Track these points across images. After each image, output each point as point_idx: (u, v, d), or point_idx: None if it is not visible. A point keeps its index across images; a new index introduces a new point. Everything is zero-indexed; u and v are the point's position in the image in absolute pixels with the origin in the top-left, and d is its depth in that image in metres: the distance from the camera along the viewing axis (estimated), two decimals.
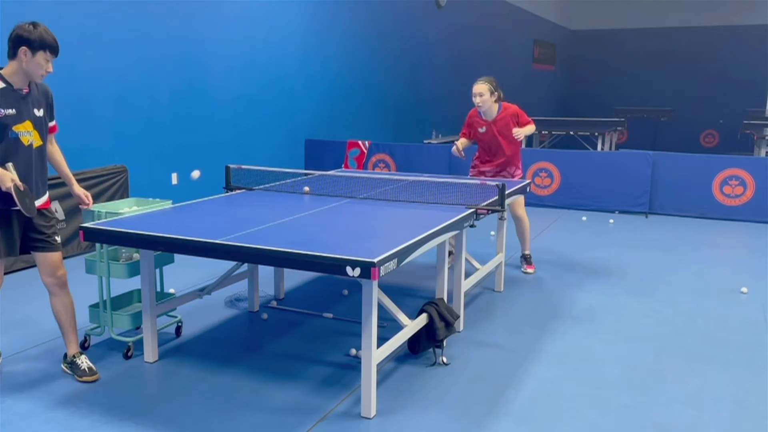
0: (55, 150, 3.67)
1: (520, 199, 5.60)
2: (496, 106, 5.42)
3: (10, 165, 3.26)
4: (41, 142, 3.42)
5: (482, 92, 5.32)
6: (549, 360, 3.90)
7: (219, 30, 7.72)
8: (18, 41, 3.24)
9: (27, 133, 3.34)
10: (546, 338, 4.24)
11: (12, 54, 3.26)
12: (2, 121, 3.24)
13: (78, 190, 3.73)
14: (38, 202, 3.44)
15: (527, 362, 3.87)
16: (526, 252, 5.77)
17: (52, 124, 3.56)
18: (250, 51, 8.21)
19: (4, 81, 3.27)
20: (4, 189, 3.21)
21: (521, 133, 5.30)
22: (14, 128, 3.28)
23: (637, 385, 3.59)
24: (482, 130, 5.50)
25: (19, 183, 3.23)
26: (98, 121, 6.41)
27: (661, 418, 3.24)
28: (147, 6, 6.77)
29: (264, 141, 8.66)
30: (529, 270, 5.70)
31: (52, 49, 3.30)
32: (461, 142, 5.53)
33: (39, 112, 3.41)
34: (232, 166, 4.90)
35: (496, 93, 5.36)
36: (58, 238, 3.57)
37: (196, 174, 4.31)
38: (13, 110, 3.28)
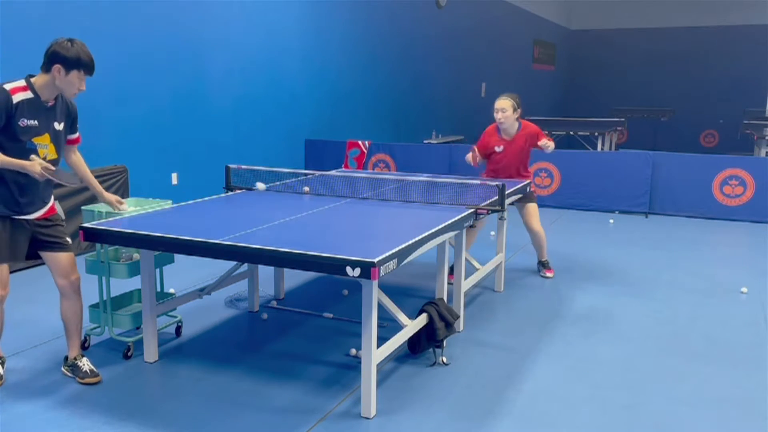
0: (79, 160, 3.68)
1: (534, 210, 5.49)
2: (516, 124, 5.33)
3: (33, 156, 3.26)
4: (56, 156, 3.41)
5: (505, 108, 5.22)
6: (549, 360, 3.90)
7: (219, 29, 7.71)
8: (54, 58, 3.19)
9: (44, 146, 3.33)
10: (546, 338, 4.24)
11: (46, 68, 3.23)
12: (23, 131, 3.22)
13: (108, 197, 3.80)
14: (43, 211, 3.45)
15: (527, 362, 3.87)
16: (544, 259, 5.70)
17: (74, 136, 3.58)
18: (250, 51, 8.21)
19: (33, 91, 3.25)
20: (37, 176, 3.20)
21: (550, 146, 5.22)
22: (34, 140, 3.27)
23: (637, 385, 3.59)
24: (499, 149, 5.37)
25: (46, 164, 3.22)
26: (98, 121, 6.41)
27: (661, 418, 3.24)
28: (147, 6, 6.77)
29: (264, 141, 8.65)
30: (549, 274, 5.61)
31: (87, 68, 3.28)
32: (479, 153, 5.40)
33: (59, 126, 3.39)
34: (232, 166, 4.90)
35: (518, 110, 5.27)
36: (69, 240, 3.56)
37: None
38: (36, 122, 3.26)
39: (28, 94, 3.23)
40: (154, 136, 7.02)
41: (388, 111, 11.57)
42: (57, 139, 3.40)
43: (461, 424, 3.16)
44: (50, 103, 3.32)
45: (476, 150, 5.39)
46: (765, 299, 5.07)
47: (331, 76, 9.89)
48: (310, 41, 9.32)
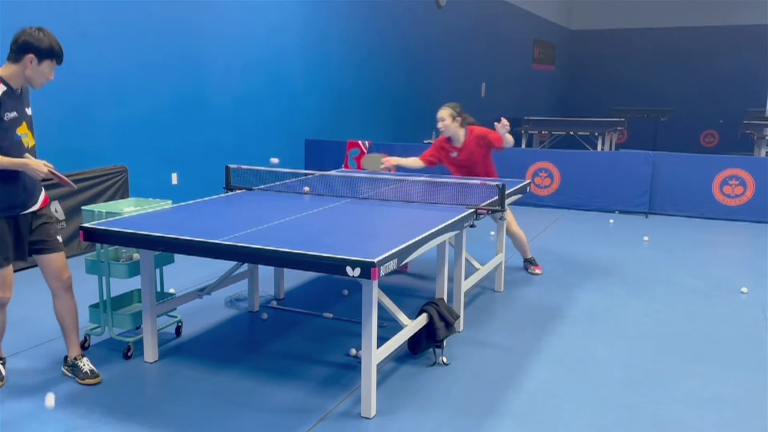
0: None
1: (510, 216, 5.51)
2: (462, 131, 5.37)
3: (27, 155, 3.26)
4: (34, 142, 3.38)
5: (443, 117, 5.30)
6: (549, 360, 3.90)
7: (219, 29, 7.71)
8: (25, 47, 3.16)
9: (25, 135, 3.30)
10: (546, 338, 4.24)
11: (15, 58, 3.19)
12: (9, 125, 3.20)
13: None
14: (40, 202, 3.44)
15: (527, 362, 3.87)
16: (529, 256, 5.74)
17: None
18: (250, 51, 8.21)
19: (5, 83, 3.20)
20: (42, 175, 3.20)
21: (505, 130, 5.07)
22: (17, 131, 3.25)
23: (637, 385, 3.59)
24: (454, 155, 5.47)
25: (51, 165, 3.22)
26: (98, 121, 6.41)
27: (661, 418, 3.24)
28: (147, 6, 6.77)
29: (264, 141, 8.66)
30: (537, 271, 5.66)
31: (59, 58, 3.26)
32: (408, 161, 5.54)
33: (29, 110, 3.37)
34: (232, 166, 4.90)
35: (459, 118, 5.32)
36: (60, 238, 3.54)
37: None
38: (15, 113, 3.24)
39: (2, 87, 3.19)
40: (153, 136, 7.02)
41: (388, 111, 11.58)
42: (31, 125, 3.38)
43: (461, 423, 3.16)
44: (19, 92, 3.30)
45: (401, 161, 5.56)
46: (765, 299, 5.07)
47: (331, 76, 9.89)
48: (311, 41, 9.33)
